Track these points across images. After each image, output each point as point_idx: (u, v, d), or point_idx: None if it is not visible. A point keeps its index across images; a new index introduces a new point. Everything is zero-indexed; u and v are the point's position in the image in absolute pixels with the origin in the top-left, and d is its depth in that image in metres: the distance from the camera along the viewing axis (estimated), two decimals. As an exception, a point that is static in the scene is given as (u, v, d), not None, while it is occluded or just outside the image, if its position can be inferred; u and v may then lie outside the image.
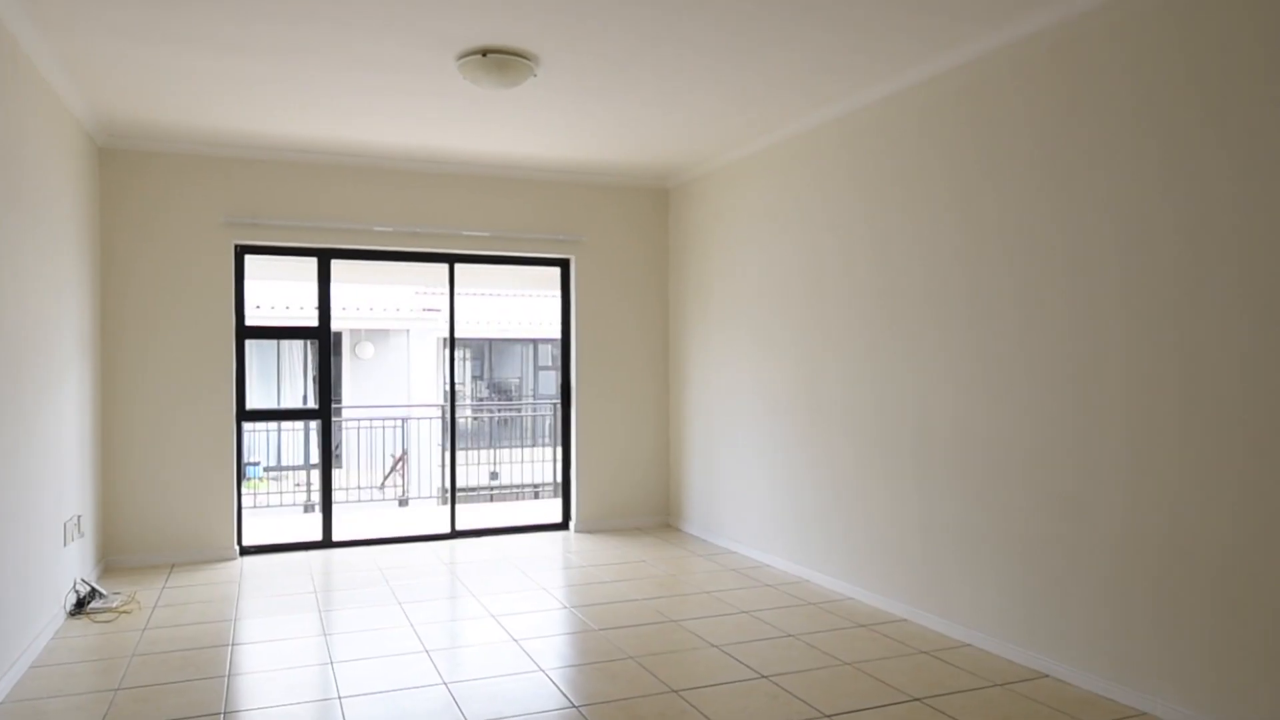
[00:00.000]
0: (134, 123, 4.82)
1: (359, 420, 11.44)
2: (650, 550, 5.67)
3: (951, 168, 3.89)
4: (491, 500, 11.37)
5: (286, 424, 11.49)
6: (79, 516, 4.48)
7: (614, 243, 6.35)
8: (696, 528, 6.13)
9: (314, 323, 5.70)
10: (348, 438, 11.55)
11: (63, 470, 4.22)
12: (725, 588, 4.74)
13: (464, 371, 15.94)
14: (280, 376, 11.99)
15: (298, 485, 10.69)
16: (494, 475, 13.10)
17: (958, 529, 3.87)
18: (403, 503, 10.97)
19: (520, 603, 4.47)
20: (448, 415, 6.22)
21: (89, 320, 4.79)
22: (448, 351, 6.16)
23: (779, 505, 5.20)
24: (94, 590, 4.44)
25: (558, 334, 6.45)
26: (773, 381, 5.25)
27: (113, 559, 5.15)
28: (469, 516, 6.84)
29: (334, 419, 12.80)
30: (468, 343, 15.02)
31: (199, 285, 5.31)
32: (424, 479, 10.88)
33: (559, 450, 6.46)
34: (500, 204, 6.03)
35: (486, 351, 15.53)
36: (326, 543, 5.72)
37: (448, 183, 5.88)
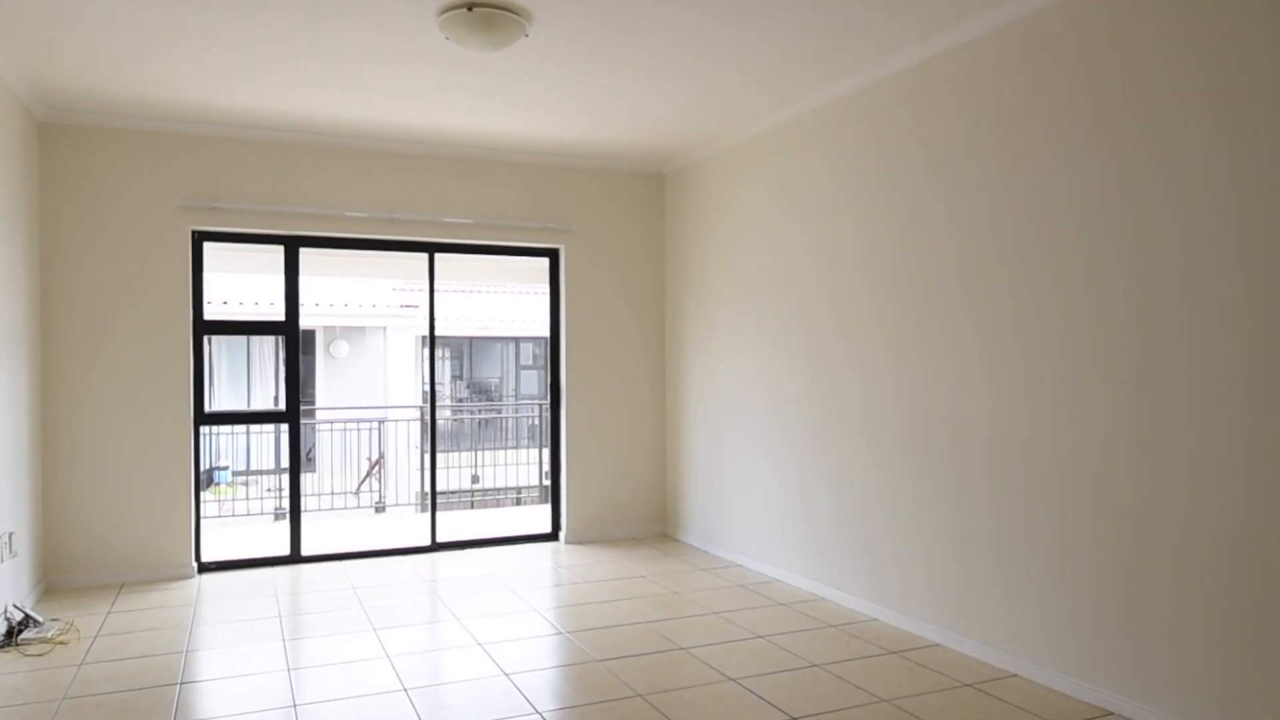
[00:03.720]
0: (78, 93, 4.31)
1: (333, 422, 10.91)
2: (649, 564, 5.24)
3: (993, 142, 3.49)
4: (473, 506, 10.88)
5: (256, 426, 10.94)
6: (9, 534, 3.97)
7: (607, 232, 5.91)
8: (697, 538, 5.71)
9: (281, 317, 5.20)
10: (321, 440, 11.02)
11: (-11, 483, 3.72)
12: (734, 607, 4.32)
13: (443, 371, 15.43)
14: (250, 375, 11.42)
15: (269, 491, 10.14)
16: (475, 479, 12.62)
17: (1000, 545, 3.47)
18: (379, 509, 10.46)
19: (510, 627, 4.02)
20: (427, 417, 5.75)
21: (22, 314, 4.28)
22: (428, 350, 5.69)
23: (789, 515, 4.79)
24: (27, 617, 3.93)
25: (542, 331, 6.00)
26: (782, 380, 4.83)
27: (55, 579, 4.63)
28: (451, 527, 6.37)
29: (306, 421, 12.32)
30: (447, 341, 14.51)
31: (153, 275, 4.81)
32: (402, 484, 10.38)
33: (547, 454, 6.01)
34: (484, 189, 5.57)
35: (467, 350, 15.03)
36: (295, 557, 5.23)
37: (428, 165, 5.41)
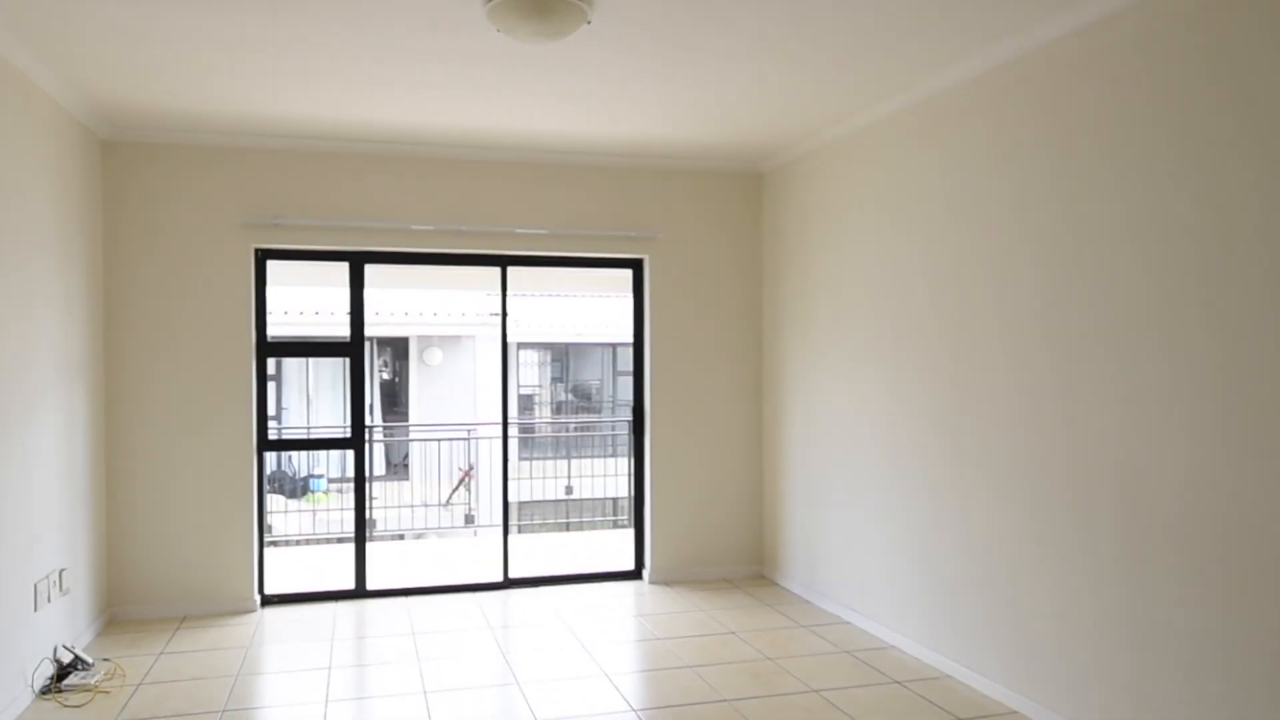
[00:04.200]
0: (138, 110, 4.09)
1: (424, 427, 10.82)
2: (741, 616, 4.65)
3: (1181, 124, 2.73)
4: (568, 519, 10.52)
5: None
6: (60, 571, 3.78)
7: (696, 239, 5.35)
8: (797, 584, 5.08)
9: (346, 336, 4.90)
10: (414, 450, 10.94)
11: (32, 520, 3.51)
12: (840, 683, 3.68)
13: (543, 375, 15.24)
14: (315, 391, 11.45)
15: (373, 497, 10.09)
16: (569, 490, 12.31)
17: (1191, 642, 2.72)
18: (469, 519, 10.27)
19: (575, 699, 3.53)
20: (508, 433, 5.35)
21: (79, 340, 4.09)
22: (507, 363, 5.29)
23: (905, 570, 4.11)
24: (76, 659, 3.73)
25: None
26: (895, 413, 4.15)
27: (119, 610, 4.47)
28: (528, 557, 5.98)
29: (396, 430, 12.21)
30: (548, 345, 14.32)
31: (215, 295, 4.58)
32: (494, 496, 10.13)
33: (632, 480, 5.51)
34: (559, 196, 5.10)
35: (567, 355, 14.81)
36: (360, 591, 4.92)
37: (496, 172, 4.99)
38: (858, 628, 4.44)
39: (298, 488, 9.83)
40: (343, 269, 4.86)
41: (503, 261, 5.13)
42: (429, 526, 9.54)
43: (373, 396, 11.33)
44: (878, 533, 4.32)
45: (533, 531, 10.46)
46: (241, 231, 4.60)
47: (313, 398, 11.20)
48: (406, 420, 11.63)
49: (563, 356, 15.04)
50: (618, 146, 4.90)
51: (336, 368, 11.27)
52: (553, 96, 3.99)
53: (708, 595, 5.03)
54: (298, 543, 8.12)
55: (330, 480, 10.01)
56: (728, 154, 5.10)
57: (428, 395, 11.23)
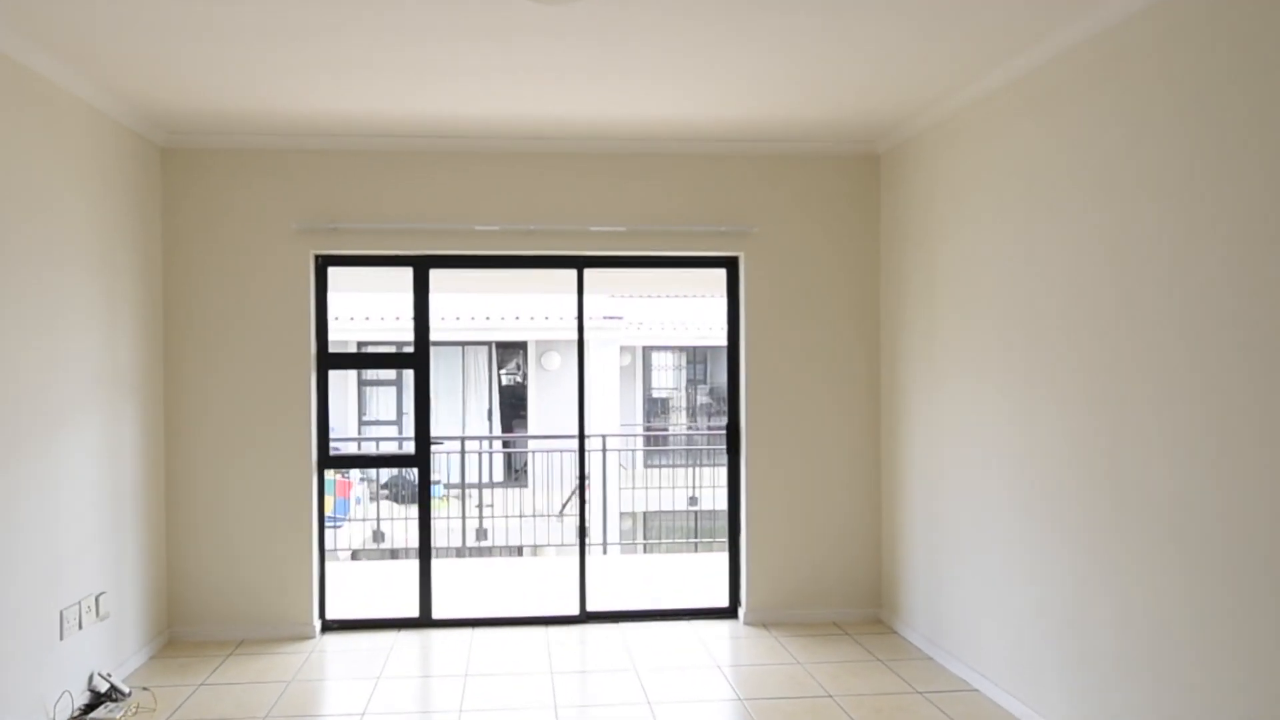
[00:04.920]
0: (190, 114, 3.93)
1: (541, 437, 10.58)
2: (846, 675, 3.91)
3: None
4: (695, 540, 9.92)
5: (469, 442, 10.88)
6: (97, 596, 3.62)
7: (799, 234, 4.64)
8: (919, 635, 4.27)
9: (410, 346, 4.57)
10: (531, 457, 10.72)
11: (58, 545, 3.35)
12: (949, 785, 2.91)
13: (679, 378, 14.77)
14: (461, 393, 11.40)
15: (477, 507, 9.95)
16: (693, 500, 11.73)
17: None
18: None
19: (617, 780, 2.97)
20: (584, 445, 4.85)
21: (131, 353, 3.96)
22: (579, 372, 4.78)
23: (1050, 633, 3.26)
24: (112, 689, 3.57)
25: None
26: (1041, 442, 3.31)
27: (179, 631, 4.33)
28: (620, 581, 5.48)
29: (515, 450, 11.97)
30: (682, 349, 13.86)
31: (272, 305, 4.36)
32: (610, 506, 9.71)
33: (728, 504, 4.87)
34: (639, 188, 4.55)
35: (705, 358, 14.30)
36: (425, 620, 4.58)
37: (567, 165, 4.50)
38: (988, 698, 3.61)
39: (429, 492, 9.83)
40: (407, 275, 4.54)
41: (579, 263, 4.64)
42: (545, 543, 9.24)
43: (491, 402, 11.23)
44: (1011, 582, 3.48)
45: (656, 550, 10.00)
46: (299, 238, 4.36)
47: (434, 401, 11.23)
48: (526, 428, 11.46)
49: (702, 359, 14.55)
50: (703, 130, 4.28)
51: (451, 369, 11.23)
52: (616, 74, 3.45)
53: (811, 643, 4.32)
54: (405, 555, 8.02)
55: (447, 486, 9.94)
56: (836, 133, 4.37)
57: (546, 400, 11.00)
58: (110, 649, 3.74)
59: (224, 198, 4.33)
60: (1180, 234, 2.58)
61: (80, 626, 3.49)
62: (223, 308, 4.34)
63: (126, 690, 3.61)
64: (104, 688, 3.56)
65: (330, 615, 4.58)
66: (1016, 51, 3.23)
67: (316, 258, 4.45)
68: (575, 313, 4.69)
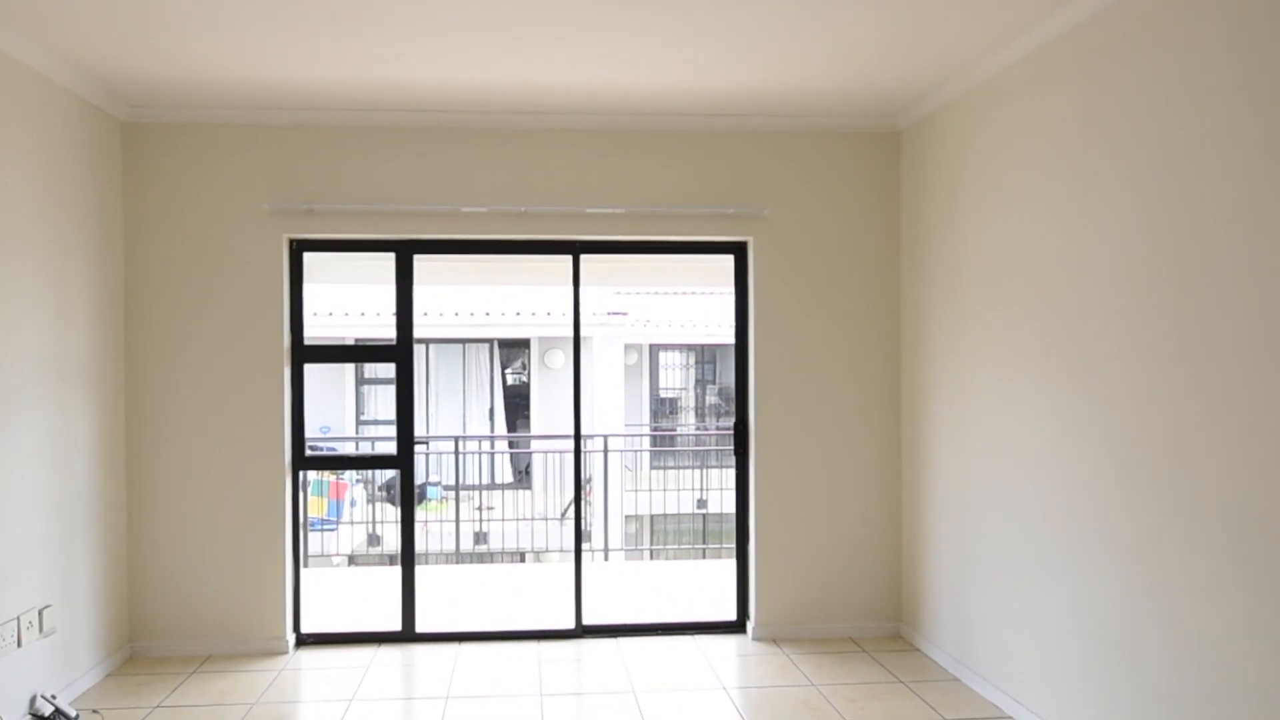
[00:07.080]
0: (153, 86, 3.61)
1: (543, 437, 10.25)
2: (864, 699, 3.55)
3: None
4: (704, 545, 9.56)
5: (468, 443, 10.55)
6: (40, 610, 3.30)
7: (813, 216, 4.28)
8: (944, 653, 3.91)
9: (391, 338, 4.24)
10: (533, 458, 10.39)
11: (-5, 554, 3.03)
12: (986, 835, 2.55)
13: (688, 378, 14.43)
14: (464, 391, 11.08)
15: (484, 508, 9.62)
16: (701, 503, 11.38)
17: None
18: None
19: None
20: (580, 446, 4.50)
21: (83, 344, 3.64)
22: (574, 369, 4.43)
23: (1093, 654, 2.90)
24: (57, 711, 3.24)
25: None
26: (1084, 446, 2.95)
27: (141, 646, 4.00)
28: (622, 589, 5.14)
29: (517, 451, 11.62)
30: (692, 347, 13.54)
31: (242, 294, 4.03)
32: (615, 511, 9.36)
33: (735, 510, 4.52)
34: (641, 166, 4.21)
35: (715, 357, 13.97)
36: (408, 634, 4.24)
37: (562, 140, 4.16)
38: (1024, 731, 3.25)
39: (416, 495, 9.51)
40: (389, 263, 4.21)
41: (574, 248, 4.29)
42: (547, 548, 8.90)
43: (493, 401, 10.89)
44: (1049, 595, 3.11)
45: (662, 555, 9.64)
46: (272, 220, 4.04)
47: (433, 400, 10.89)
48: (529, 428, 11.12)
49: (711, 358, 14.24)
50: (710, 104, 3.93)
51: (452, 367, 10.90)
52: (617, 31, 3.09)
53: (826, 662, 3.96)
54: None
55: (445, 488, 9.62)
56: (853, 106, 4.01)
57: (550, 400, 10.66)
58: (58, 668, 3.42)
59: (190, 177, 4.01)
60: (1246, 216, 2.21)
61: (19, 644, 3.17)
62: (189, 296, 4.01)
63: (73, 713, 3.29)
64: (48, 711, 3.24)
65: (309, 627, 4.24)
66: (1060, 4, 2.87)
67: (291, 242, 4.12)
68: (571, 304, 4.35)
